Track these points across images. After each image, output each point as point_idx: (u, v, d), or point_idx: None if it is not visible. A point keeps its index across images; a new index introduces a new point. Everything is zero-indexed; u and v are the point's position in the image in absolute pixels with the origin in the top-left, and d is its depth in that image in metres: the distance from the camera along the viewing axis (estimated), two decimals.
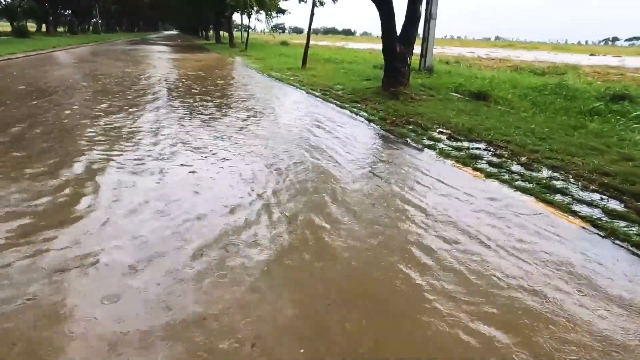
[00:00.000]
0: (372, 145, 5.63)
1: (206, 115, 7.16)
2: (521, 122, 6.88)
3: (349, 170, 4.46)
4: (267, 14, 29.66)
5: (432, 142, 5.64)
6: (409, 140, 5.79)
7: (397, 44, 9.32)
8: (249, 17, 29.66)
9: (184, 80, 11.97)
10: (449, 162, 4.86)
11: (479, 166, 4.67)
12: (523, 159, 4.91)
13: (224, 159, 4.71)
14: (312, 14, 16.05)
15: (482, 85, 10.57)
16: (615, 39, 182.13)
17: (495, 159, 4.93)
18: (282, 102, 9.07)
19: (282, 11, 35.88)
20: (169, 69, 14.77)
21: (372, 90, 9.99)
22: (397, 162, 4.84)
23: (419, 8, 9.29)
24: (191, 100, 8.40)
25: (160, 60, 18.93)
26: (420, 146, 5.51)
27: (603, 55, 42.24)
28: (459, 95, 9.51)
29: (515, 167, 4.63)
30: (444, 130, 6.31)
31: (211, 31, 59.54)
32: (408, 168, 4.60)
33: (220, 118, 6.98)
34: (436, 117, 7.22)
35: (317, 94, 9.98)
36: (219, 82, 12.01)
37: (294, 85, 11.45)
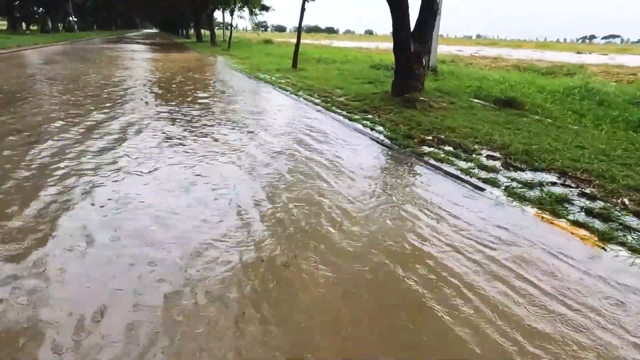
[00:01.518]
0: (405, 182, 4.16)
1: (180, 149, 5.58)
2: (579, 138, 5.52)
3: (372, 236, 2.98)
4: (251, 11, 27.96)
5: (488, 174, 4.20)
6: (455, 171, 4.33)
7: (411, 41, 7.87)
8: (232, 14, 27.92)
9: (155, 87, 10.30)
10: (528, 210, 3.41)
11: (577, 218, 3.24)
12: (627, 201, 3.51)
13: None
14: (303, 9, 14.51)
15: (504, 90, 9.24)
16: (592, 37, 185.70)
17: (589, 203, 3.51)
18: (276, 114, 7.52)
19: (266, 8, 34.10)
20: (141, 73, 13.01)
21: (380, 96, 8.52)
22: (455, 215, 3.37)
23: None
24: (158, 125, 6.72)
25: (133, 61, 17.06)
26: (475, 180, 4.04)
27: (589, 53, 41.65)
28: (482, 102, 8.13)
29: (629, 219, 3.21)
30: (492, 154, 4.88)
31: (192, 29, 57.29)
32: (480, 233, 3.12)
33: (199, 154, 5.42)
34: (471, 132, 5.79)
35: (317, 100, 8.46)
36: (195, 89, 10.38)
37: (286, 90, 9.90)
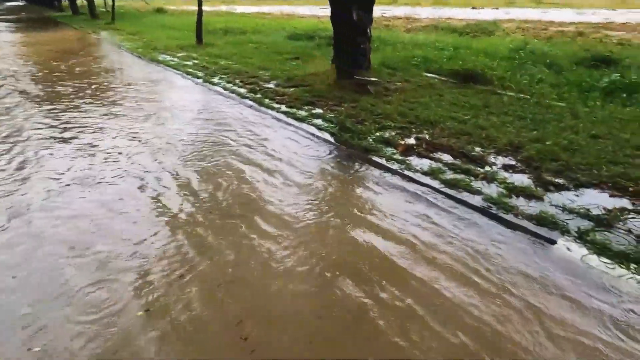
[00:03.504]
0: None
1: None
2: (583, 122, 4.49)
3: None
4: None
5: (530, 204, 2.93)
6: (491, 207, 2.97)
7: (353, 9, 6.29)
8: None
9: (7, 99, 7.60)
10: None
11: None
12: None
13: None
14: None
15: (452, 59, 8.14)
16: None
17: None
18: (186, 125, 5.58)
19: None
20: None
21: (320, 78, 6.91)
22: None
23: None
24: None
25: None
26: (534, 227, 2.70)
27: (482, 8, 43.18)
28: (439, 77, 6.91)
29: None
30: (507, 161, 3.62)
31: (66, 0, 49.13)
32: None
33: None
34: (458, 126, 4.49)
35: (242, 90, 6.59)
36: (73, 92, 7.85)
37: (198, 77, 7.79)
